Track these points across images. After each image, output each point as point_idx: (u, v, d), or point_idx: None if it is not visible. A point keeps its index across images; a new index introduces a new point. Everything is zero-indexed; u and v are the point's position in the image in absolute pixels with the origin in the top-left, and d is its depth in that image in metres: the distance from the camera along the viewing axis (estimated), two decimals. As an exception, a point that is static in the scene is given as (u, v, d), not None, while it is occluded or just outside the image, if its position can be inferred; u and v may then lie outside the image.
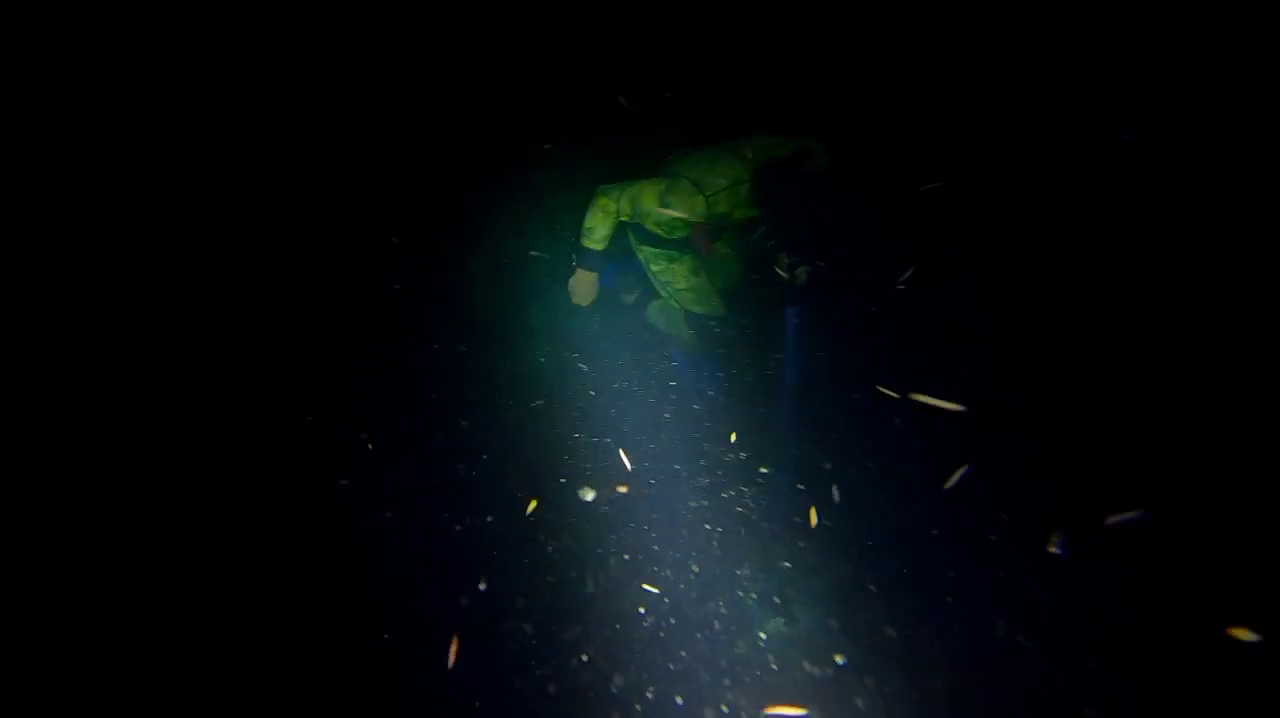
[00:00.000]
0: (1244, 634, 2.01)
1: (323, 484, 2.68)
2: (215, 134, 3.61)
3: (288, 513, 2.58)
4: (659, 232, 2.79)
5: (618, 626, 2.24)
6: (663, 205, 2.64)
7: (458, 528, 2.54)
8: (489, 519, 2.56)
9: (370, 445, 2.84)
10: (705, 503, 2.60)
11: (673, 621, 2.25)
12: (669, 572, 2.39)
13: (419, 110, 3.79)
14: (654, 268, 2.92)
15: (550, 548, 2.47)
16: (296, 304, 3.36)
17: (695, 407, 2.96)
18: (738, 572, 2.38)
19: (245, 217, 3.55)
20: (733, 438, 2.78)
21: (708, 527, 2.52)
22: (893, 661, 2.12)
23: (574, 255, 2.76)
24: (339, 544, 2.48)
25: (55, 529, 2.49)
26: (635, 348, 3.19)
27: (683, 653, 2.17)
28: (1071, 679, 2.04)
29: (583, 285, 2.77)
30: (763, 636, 2.21)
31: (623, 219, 2.73)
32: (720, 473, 2.69)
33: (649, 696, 2.08)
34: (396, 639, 2.23)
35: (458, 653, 2.15)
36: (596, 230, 2.69)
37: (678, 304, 2.96)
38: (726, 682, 2.11)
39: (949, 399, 2.66)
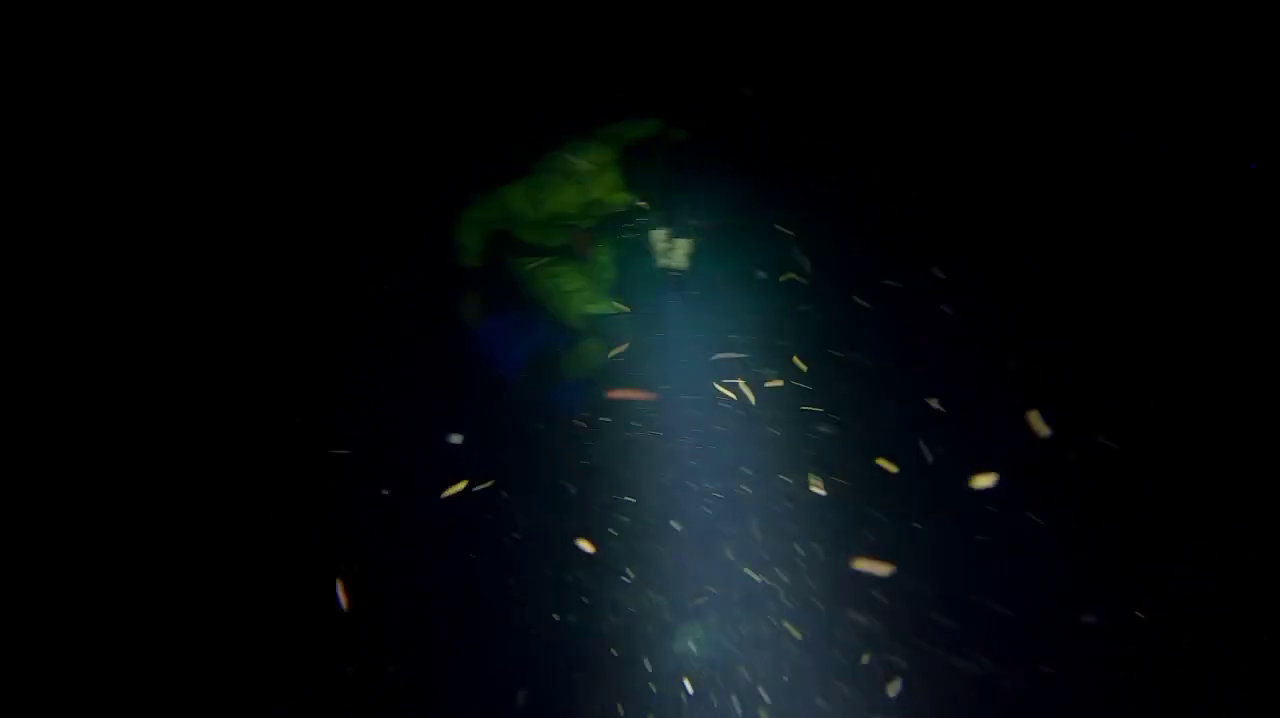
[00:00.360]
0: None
1: (323, 484, 2.68)
2: (214, 134, 3.61)
3: (288, 513, 2.57)
4: (534, 239, 2.73)
5: (626, 633, 2.23)
6: (535, 204, 2.57)
7: (459, 528, 2.54)
8: (491, 519, 2.56)
9: (371, 445, 2.84)
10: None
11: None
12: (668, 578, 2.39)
13: (420, 110, 3.79)
14: (540, 279, 2.81)
15: (555, 548, 2.46)
16: (296, 304, 3.36)
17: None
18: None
19: (244, 217, 3.55)
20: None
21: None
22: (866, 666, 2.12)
23: (455, 277, 2.68)
24: (339, 544, 2.48)
25: (55, 529, 2.49)
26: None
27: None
28: (1071, 680, 2.04)
29: (470, 305, 2.70)
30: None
31: (496, 228, 2.65)
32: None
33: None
34: (397, 640, 2.23)
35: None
36: (470, 246, 2.62)
37: (574, 312, 2.83)
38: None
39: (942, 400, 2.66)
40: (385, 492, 2.66)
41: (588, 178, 2.58)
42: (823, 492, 2.58)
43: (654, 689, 2.11)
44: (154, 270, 3.34)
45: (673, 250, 2.71)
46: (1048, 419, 2.73)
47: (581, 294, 2.81)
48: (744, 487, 2.67)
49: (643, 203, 2.67)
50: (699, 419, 2.91)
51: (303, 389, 3.04)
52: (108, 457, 2.73)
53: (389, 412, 2.97)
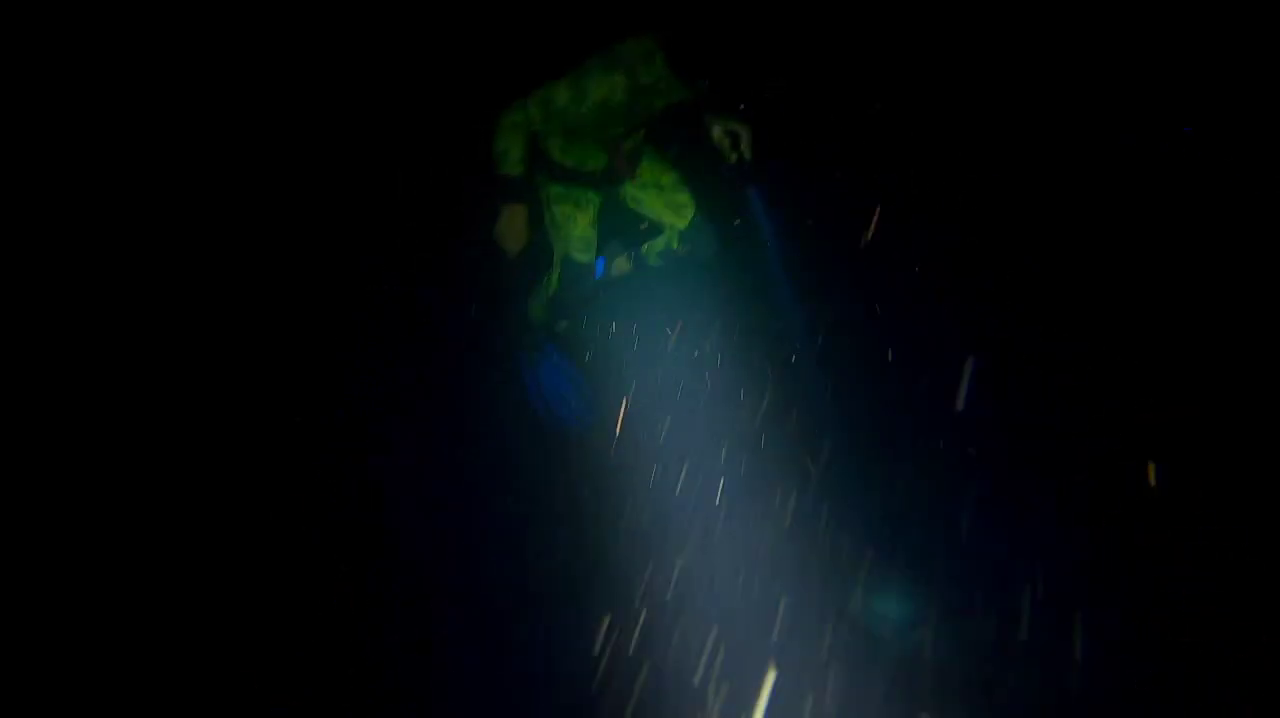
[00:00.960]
0: None
1: (323, 484, 2.68)
2: (214, 133, 3.60)
3: (288, 513, 2.57)
4: (571, 160, 2.56)
5: (634, 635, 2.22)
6: (580, 96, 2.36)
7: (460, 527, 2.54)
8: (492, 518, 2.56)
9: (371, 445, 2.84)
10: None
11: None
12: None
13: (421, 107, 3.78)
14: (556, 208, 2.65)
15: (557, 549, 2.46)
16: (296, 304, 3.36)
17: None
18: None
19: (244, 216, 3.55)
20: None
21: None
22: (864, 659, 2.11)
23: (496, 191, 2.47)
24: (339, 544, 2.48)
25: (55, 529, 2.49)
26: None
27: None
28: (1068, 679, 2.04)
29: (512, 223, 2.49)
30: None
31: (536, 130, 2.45)
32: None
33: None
34: (397, 640, 2.23)
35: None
36: (511, 152, 2.42)
37: (560, 255, 2.70)
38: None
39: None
40: (386, 492, 2.66)
41: (633, 63, 2.35)
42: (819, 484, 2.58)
43: (659, 688, 2.11)
44: (153, 270, 3.34)
45: (738, 140, 2.51)
46: (1047, 419, 2.73)
47: (581, 240, 2.65)
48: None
49: (692, 89, 2.45)
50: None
51: (303, 389, 3.04)
52: (107, 456, 2.73)
53: (390, 412, 2.97)
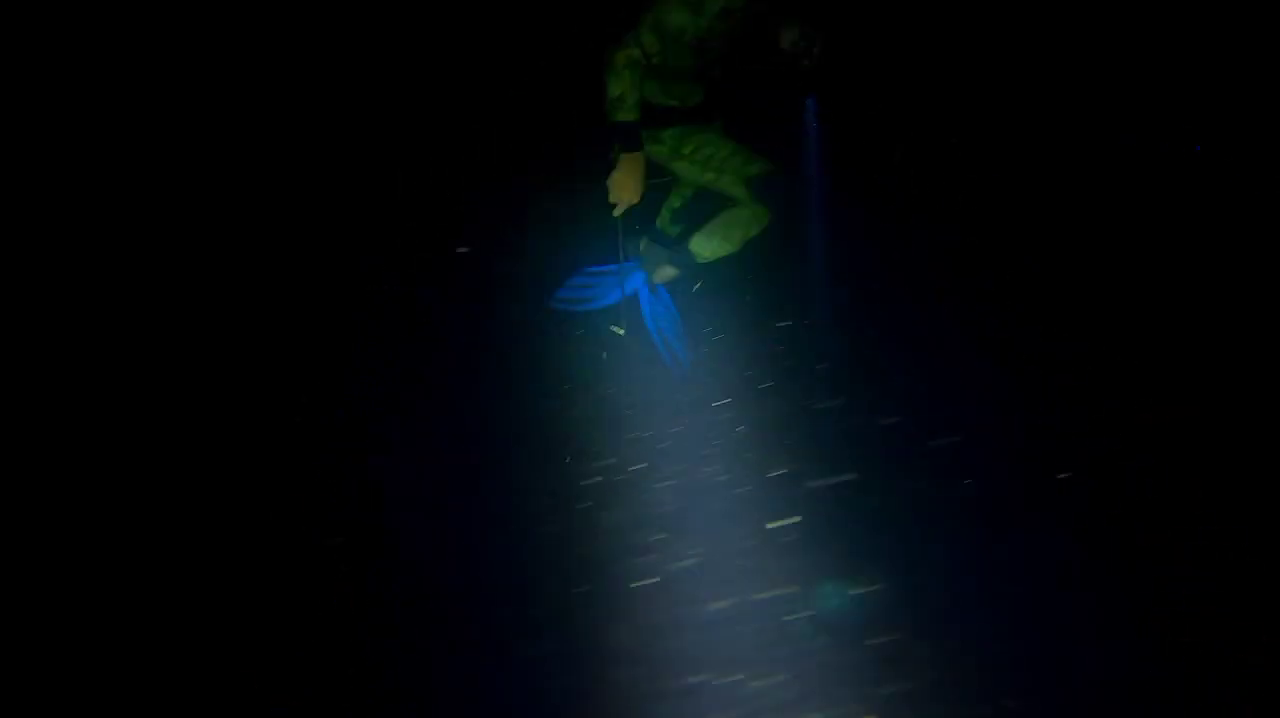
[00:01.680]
0: None
1: (323, 484, 2.68)
2: (215, 132, 3.61)
3: (288, 513, 2.57)
4: (674, 99, 2.43)
5: (640, 638, 2.21)
6: (698, 9, 2.20)
7: (461, 528, 2.54)
8: (492, 519, 2.56)
9: (371, 445, 2.84)
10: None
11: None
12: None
13: (422, 106, 3.78)
14: (685, 150, 2.52)
15: (561, 549, 2.45)
16: (297, 304, 3.36)
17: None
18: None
19: (245, 216, 3.55)
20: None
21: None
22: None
23: (612, 144, 2.35)
24: (339, 544, 2.48)
25: (55, 529, 2.49)
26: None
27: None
28: (1068, 680, 2.04)
29: (629, 172, 2.32)
30: None
31: (653, 60, 2.26)
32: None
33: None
34: (398, 640, 2.22)
35: None
36: (627, 95, 2.23)
37: (734, 176, 2.54)
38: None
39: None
40: (387, 493, 2.66)
41: None
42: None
43: (660, 690, 2.10)
44: (154, 270, 3.34)
45: (811, 45, 2.44)
46: (1048, 420, 2.74)
47: (739, 155, 2.51)
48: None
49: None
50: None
51: (303, 389, 3.04)
52: (107, 456, 2.73)
53: (390, 412, 2.97)
